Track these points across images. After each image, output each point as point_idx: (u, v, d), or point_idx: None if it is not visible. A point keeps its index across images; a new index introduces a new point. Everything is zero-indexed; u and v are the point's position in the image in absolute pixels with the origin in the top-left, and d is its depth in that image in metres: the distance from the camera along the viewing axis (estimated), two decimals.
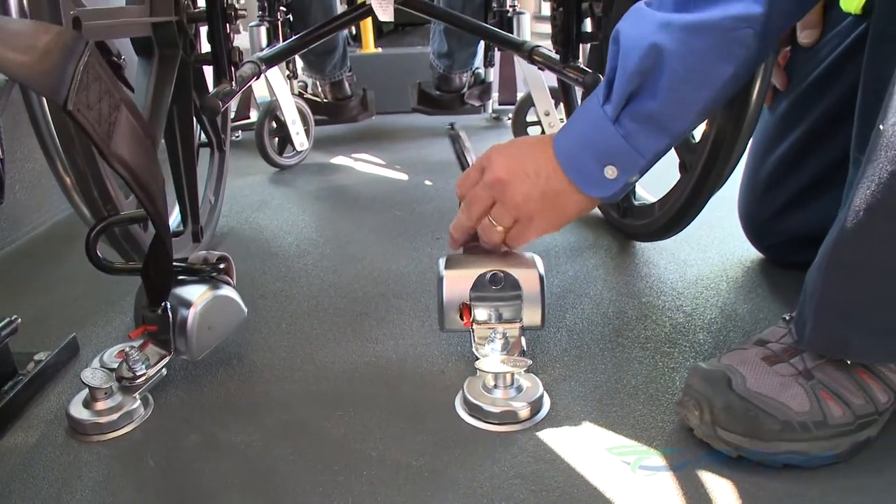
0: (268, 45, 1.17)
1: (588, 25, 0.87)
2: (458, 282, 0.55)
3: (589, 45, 0.89)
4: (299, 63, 1.39)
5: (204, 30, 0.76)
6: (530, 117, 1.29)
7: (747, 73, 0.47)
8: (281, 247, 0.89)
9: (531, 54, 0.88)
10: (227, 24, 0.75)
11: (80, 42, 0.35)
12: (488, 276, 0.55)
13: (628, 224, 0.83)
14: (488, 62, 1.41)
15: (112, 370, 0.54)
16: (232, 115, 1.40)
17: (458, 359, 0.59)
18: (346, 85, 1.37)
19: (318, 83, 1.38)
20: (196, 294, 0.55)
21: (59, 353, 0.61)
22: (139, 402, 0.53)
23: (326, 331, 0.66)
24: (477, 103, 1.41)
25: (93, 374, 0.53)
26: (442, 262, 0.57)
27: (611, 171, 0.49)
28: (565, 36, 0.80)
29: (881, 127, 0.38)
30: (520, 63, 1.32)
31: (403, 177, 1.21)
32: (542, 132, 1.25)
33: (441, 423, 0.50)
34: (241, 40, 1.22)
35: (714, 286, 0.73)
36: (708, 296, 0.71)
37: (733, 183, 0.74)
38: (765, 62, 0.57)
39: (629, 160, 0.49)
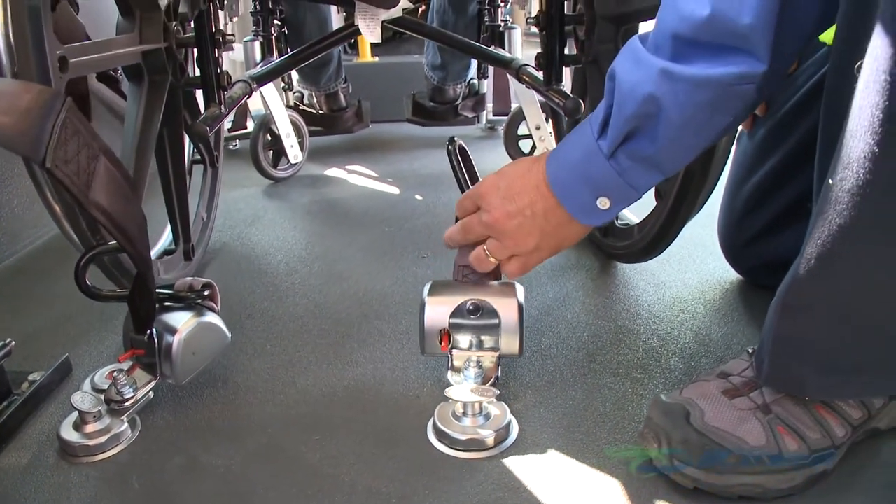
0: (262, 60, 1.19)
1: (573, 47, 0.88)
2: (438, 309, 0.57)
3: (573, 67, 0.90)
4: (294, 74, 1.41)
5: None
6: (522, 130, 1.31)
7: (745, 118, 0.48)
8: (271, 264, 0.91)
9: (518, 72, 0.89)
10: (216, 49, 0.77)
11: (58, 99, 0.37)
12: (467, 305, 0.57)
13: (609, 245, 0.85)
14: (482, 74, 1.43)
15: (102, 391, 0.57)
16: (229, 125, 1.43)
17: (433, 384, 0.61)
18: (342, 96, 1.39)
19: (313, 94, 1.40)
20: (181, 321, 0.57)
21: (52, 373, 0.63)
22: (126, 424, 0.55)
23: (309, 353, 0.68)
24: (470, 115, 1.43)
25: (82, 399, 0.55)
26: (427, 287, 0.59)
27: (604, 203, 0.50)
28: (548, 59, 0.81)
29: (830, 181, 0.39)
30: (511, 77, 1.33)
31: (395, 190, 1.23)
32: (534, 146, 1.26)
33: (412, 449, 0.52)
34: (237, 53, 1.24)
35: (691, 309, 0.74)
36: (684, 319, 0.72)
37: (716, 202, 0.75)
38: None
39: (623, 193, 0.50)
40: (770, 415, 0.48)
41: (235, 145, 1.52)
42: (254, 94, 0.90)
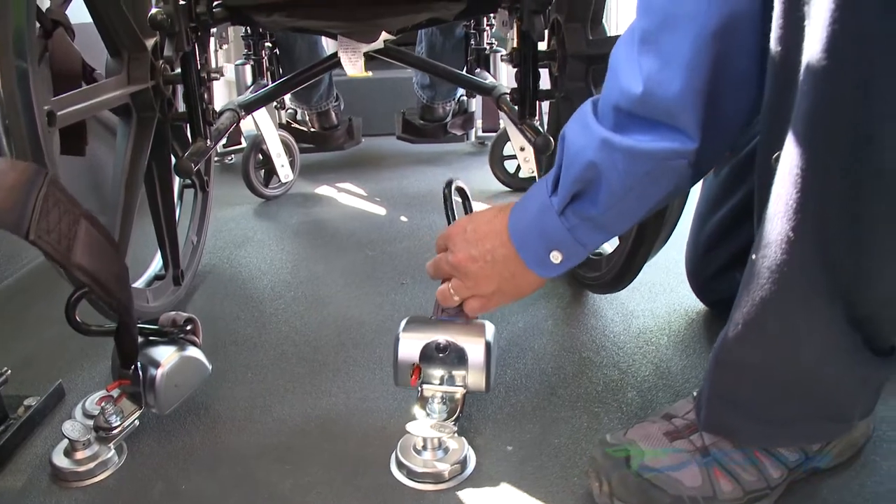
0: (253, 83, 1.22)
1: (546, 82, 0.91)
2: (411, 344, 0.60)
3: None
4: None
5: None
6: (507, 150, 1.34)
7: (687, 189, 0.50)
8: (257, 288, 0.95)
9: (498, 101, 0.92)
10: (202, 86, 0.80)
11: (40, 175, 0.40)
12: (438, 342, 0.60)
13: (581, 274, 0.88)
14: (471, 92, 1.45)
15: (92, 416, 0.61)
16: (224, 141, 1.47)
17: (400, 415, 0.64)
18: (333, 115, 1.42)
19: (305, 112, 1.43)
20: (164, 355, 0.61)
21: (46, 398, 0.67)
22: (114, 451, 0.59)
23: (287, 381, 0.71)
24: (459, 132, 1.46)
25: (72, 427, 0.59)
26: (403, 323, 0.62)
27: (556, 257, 0.53)
28: (522, 94, 0.84)
29: (753, 257, 0.42)
30: None
31: (381, 211, 1.26)
32: (518, 167, 1.29)
33: (375, 480, 0.56)
34: (228, 74, 1.28)
35: (655, 340, 0.78)
36: (647, 351, 0.75)
37: (685, 231, 0.77)
38: None
39: (573, 250, 0.52)
40: (708, 457, 0.51)
41: (231, 160, 1.55)
42: (240, 122, 0.93)
